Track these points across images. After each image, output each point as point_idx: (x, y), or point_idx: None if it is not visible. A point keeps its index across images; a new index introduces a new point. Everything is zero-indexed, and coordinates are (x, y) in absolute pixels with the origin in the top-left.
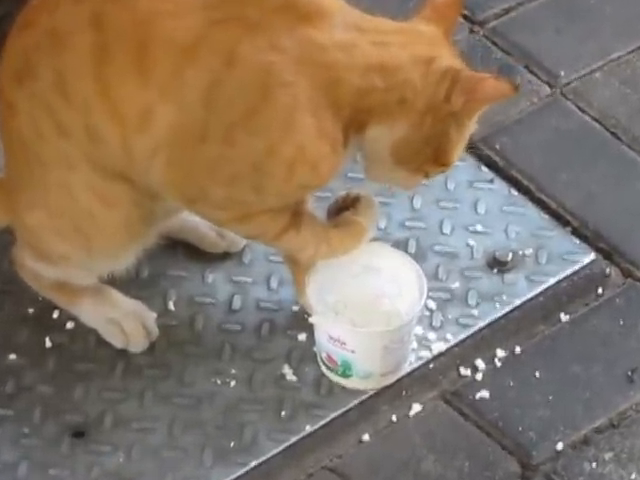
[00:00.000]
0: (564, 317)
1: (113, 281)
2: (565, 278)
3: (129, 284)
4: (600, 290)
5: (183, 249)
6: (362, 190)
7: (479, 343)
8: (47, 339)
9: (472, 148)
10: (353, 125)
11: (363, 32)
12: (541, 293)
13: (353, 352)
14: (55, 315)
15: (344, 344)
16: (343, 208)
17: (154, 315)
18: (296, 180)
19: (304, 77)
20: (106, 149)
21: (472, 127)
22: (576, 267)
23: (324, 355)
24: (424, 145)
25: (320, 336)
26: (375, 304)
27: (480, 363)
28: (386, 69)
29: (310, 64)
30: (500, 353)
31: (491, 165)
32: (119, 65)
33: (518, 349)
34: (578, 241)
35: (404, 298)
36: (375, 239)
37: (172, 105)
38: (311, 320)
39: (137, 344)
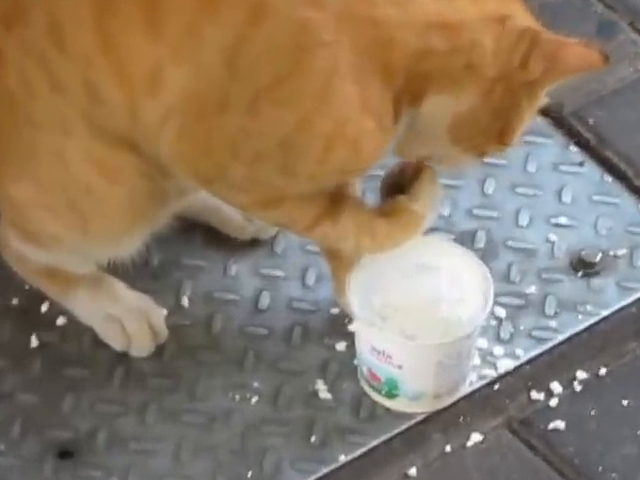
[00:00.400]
0: None
1: (116, 270)
2: None
3: (135, 274)
4: None
5: (203, 234)
6: (422, 164)
7: (556, 362)
8: (33, 337)
9: (560, 122)
10: (407, 95)
11: None
12: (634, 303)
13: (400, 368)
14: (44, 308)
15: (390, 358)
16: (397, 188)
17: (163, 312)
18: (333, 162)
19: (347, 37)
20: (109, 111)
21: (542, 100)
22: None
23: (366, 370)
24: (491, 120)
25: (362, 347)
26: (431, 310)
27: (556, 386)
28: (450, 28)
29: (355, 21)
30: (581, 375)
31: (582, 144)
32: (125, 15)
33: (603, 371)
34: None
35: (466, 304)
36: (434, 230)
37: (187, 66)
38: (351, 327)
39: (141, 347)
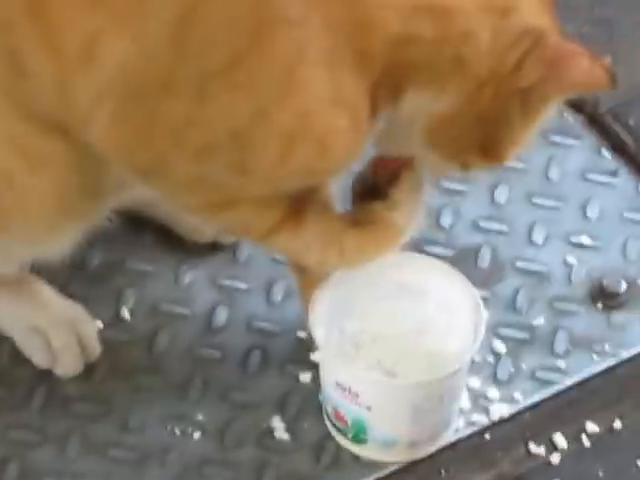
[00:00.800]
0: None
1: (45, 272)
2: None
3: (69, 278)
4: None
5: (153, 233)
6: (402, 163)
7: (562, 410)
8: None
9: (593, 121)
10: (385, 88)
11: None
12: None
13: (369, 409)
14: None
15: (357, 397)
16: (371, 191)
17: (97, 326)
18: (294, 162)
19: (318, 14)
20: (35, 87)
21: (544, 116)
22: None
23: (330, 408)
24: (474, 128)
25: (326, 381)
26: (414, 341)
27: (560, 439)
28: (440, 12)
29: None
30: (591, 427)
31: (617, 149)
32: None
33: (618, 424)
34: None
35: (454, 336)
36: (430, 243)
37: (127, 37)
38: (313, 356)
39: (67, 365)
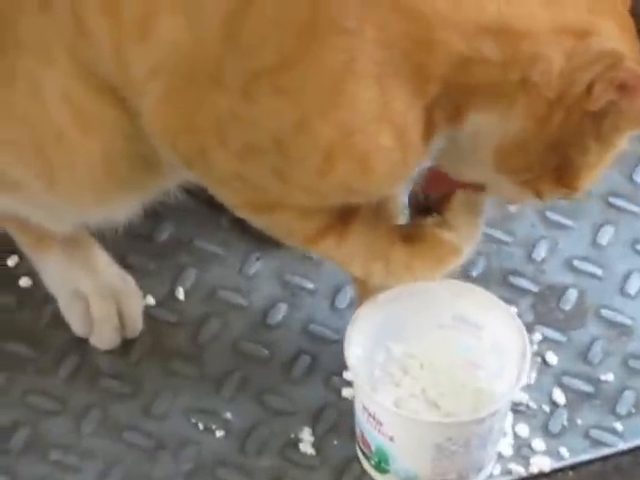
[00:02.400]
0: None
1: (109, 239)
2: None
3: (132, 248)
4: None
5: (231, 218)
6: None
7: (609, 474)
8: None
9: None
10: (445, 109)
11: None
12: None
13: (392, 440)
14: (10, 262)
15: (380, 425)
16: (426, 205)
17: (141, 302)
18: (334, 177)
19: (374, 26)
20: (95, 48)
21: (622, 143)
22: None
23: (358, 431)
24: (546, 153)
25: (356, 403)
26: (467, 376)
27: None
28: (508, 35)
29: (388, 8)
30: None
31: None
32: None
33: None
34: None
35: (504, 379)
36: (515, 274)
37: (182, 18)
38: (346, 375)
39: (103, 338)
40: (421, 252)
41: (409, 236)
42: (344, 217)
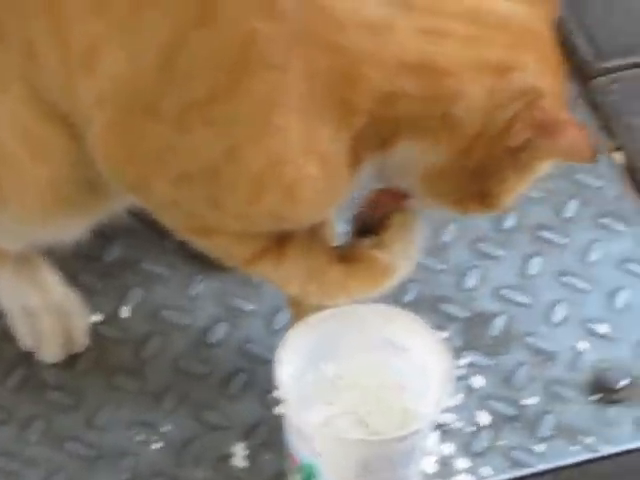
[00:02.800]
0: None
1: (58, 258)
2: None
3: (81, 268)
4: None
5: (176, 242)
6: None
7: None
8: None
9: None
10: (373, 139)
11: (410, 9)
12: None
13: (319, 456)
14: None
15: (308, 442)
16: (368, 226)
17: (86, 319)
18: (264, 205)
19: (300, 61)
20: (45, 75)
21: (541, 170)
22: None
23: (287, 448)
24: (469, 180)
25: (286, 420)
26: (394, 396)
27: None
28: (430, 71)
29: (313, 44)
30: None
31: None
32: None
33: None
34: None
35: (428, 400)
36: (447, 301)
37: (122, 51)
38: (276, 393)
39: (49, 352)
40: (356, 272)
41: (345, 257)
42: (280, 240)
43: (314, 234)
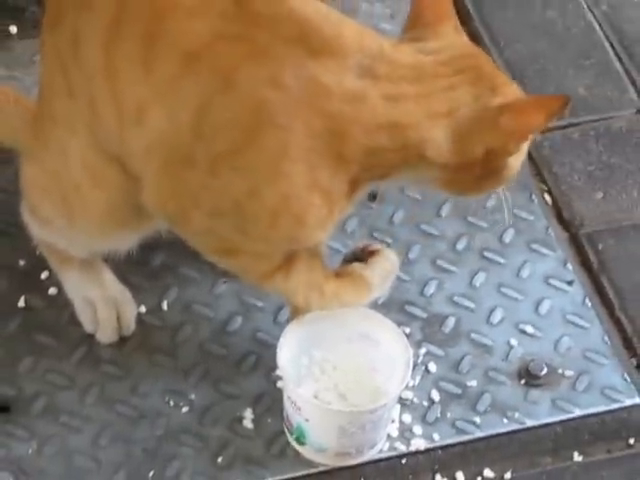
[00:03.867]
0: (577, 457)
1: (114, 261)
2: (596, 414)
3: (132, 270)
4: (631, 441)
5: None
6: (384, 247)
7: (468, 455)
8: (22, 298)
9: (572, 239)
10: (367, 176)
11: (376, 80)
12: (561, 422)
13: (307, 421)
14: (43, 276)
15: (299, 410)
16: (358, 257)
17: (135, 310)
18: (280, 230)
19: (301, 123)
20: (103, 127)
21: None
22: (614, 406)
23: (285, 414)
24: (480, 180)
25: (284, 393)
26: (367, 377)
27: (460, 476)
28: (397, 128)
29: (311, 109)
30: (487, 473)
31: (582, 265)
32: (128, 48)
33: (508, 475)
34: (629, 379)
35: (393, 381)
36: (410, 304)
37: (164, 111)
38: (277, 372)
39: (105, 334)
40: (347, 286)
41: (338, 274)
42: (288, 259)
43: (314, 255)
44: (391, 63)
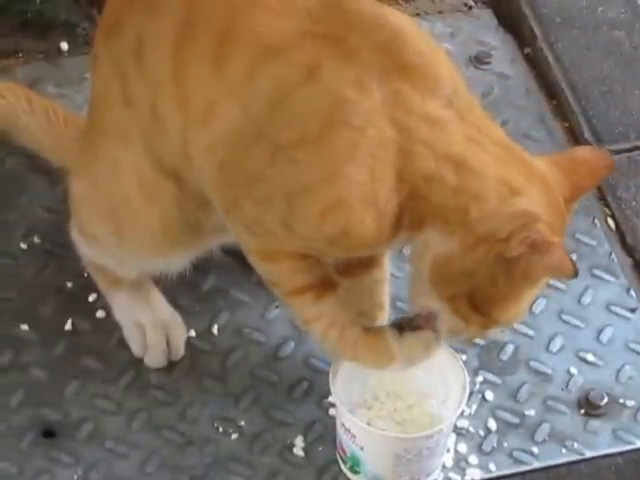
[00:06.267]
0: None
1: (165, 283)
2: None
3: (182, 292)
4: None
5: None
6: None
7: None
8: (69, 321)
9: (635, 265)
10: (411, 213)
11: (463, 120)
12: (622, 454)
13: (362, 449)
14: (91, 298)
15: (354, 437)
16: (402, 325)
17: (185, 334)
18: (324, 232)
19: (375, 129)
20: (164, 135)
21: (533, 292)
22: None
23: (338, 440)
24: (464, 276)
25: (338, 420)
26: (421, 403)
27: None
28: (464, 168)
29: (388, 119)
30: None
31: None
32: (199, 48)
33: None
34: None
35: (448, 406)
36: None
37: (237, 105)
38: (330, 399)
39: (154, 358)
40: (368, 343)
41: (367, 329)
42: (325, 284)
43: (351, 297)
44: (484, 121)
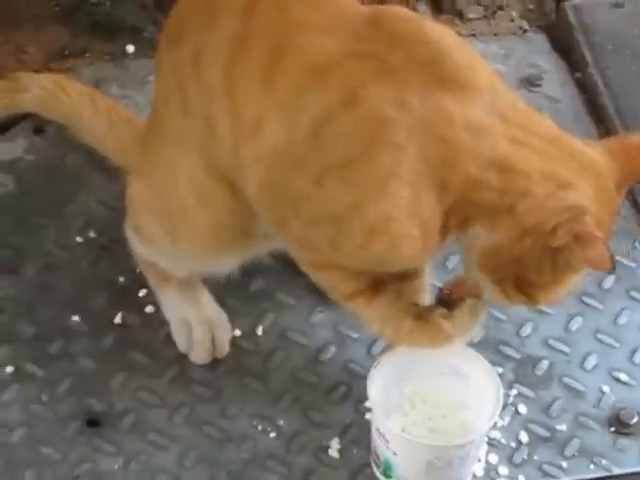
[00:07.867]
0: None
1: (213, 283)
2: None
3: (230, 292)
4: None
5: (307, 280)
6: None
7: None
8: (119, 314)
9: None
10: (456, 218)
11: (506, 122)
12: None
13: (395, 454)
14: (141, 294)
15: (388, 442)
16: (446, 301)
17: (229, 333)
18: (372, 250)
19: (417, 146)
20: (217, 145)
21: (574, 279)
22: None
23: (372, 445)
24: (512, 264)
25: (373, 425)
26: (456, 412)
27: None
28: (509, 170)
29: (429, 134)
30: None
31: None
32: (251, 63)
33: None
34: None
35: (482, 416)
36: (504, 343)
37: (283, 122)
38: (367, 403)
39: (199, 355)
40: (423, 330)
41: (419, 315)
42: (375, 286)
43: (400, 293)
44: (527, 115)
